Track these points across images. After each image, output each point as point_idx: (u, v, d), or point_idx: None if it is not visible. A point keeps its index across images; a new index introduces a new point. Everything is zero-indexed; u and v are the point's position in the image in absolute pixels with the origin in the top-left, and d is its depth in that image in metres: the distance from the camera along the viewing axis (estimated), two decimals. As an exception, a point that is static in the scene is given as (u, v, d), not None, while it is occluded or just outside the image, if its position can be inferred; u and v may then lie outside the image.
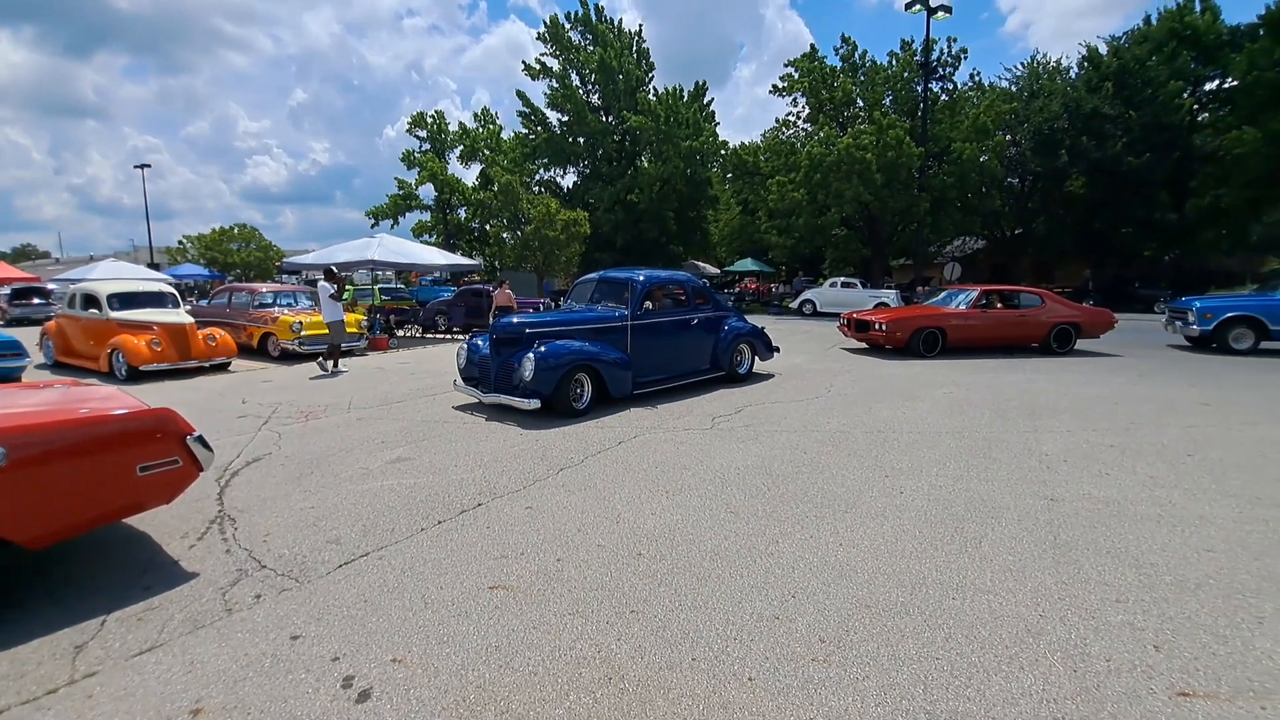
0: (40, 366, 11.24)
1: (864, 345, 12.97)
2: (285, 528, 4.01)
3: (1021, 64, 32.56)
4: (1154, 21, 29.29)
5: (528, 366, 6.79)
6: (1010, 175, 30.92)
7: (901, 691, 2.38)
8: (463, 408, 7.55)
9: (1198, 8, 28.36)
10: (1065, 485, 4.70)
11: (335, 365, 10.78)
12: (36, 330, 13.53)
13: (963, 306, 12.28)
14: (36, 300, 23.86)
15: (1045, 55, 32.70)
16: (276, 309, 13.18)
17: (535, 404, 6.73)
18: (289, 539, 3.83)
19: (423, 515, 4.19)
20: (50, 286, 25.76)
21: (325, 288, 11.07)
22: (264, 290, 14.13)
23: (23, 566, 3.40)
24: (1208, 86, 28.82)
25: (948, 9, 22.44)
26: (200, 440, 3.51)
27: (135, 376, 9.84)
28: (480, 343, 7.87)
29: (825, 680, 2.45)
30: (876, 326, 12.05)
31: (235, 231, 41.37)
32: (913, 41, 27.98)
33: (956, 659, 2.58)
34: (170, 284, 13.70)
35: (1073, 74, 30.58)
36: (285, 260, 25.71)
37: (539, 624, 2.87)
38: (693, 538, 3.80)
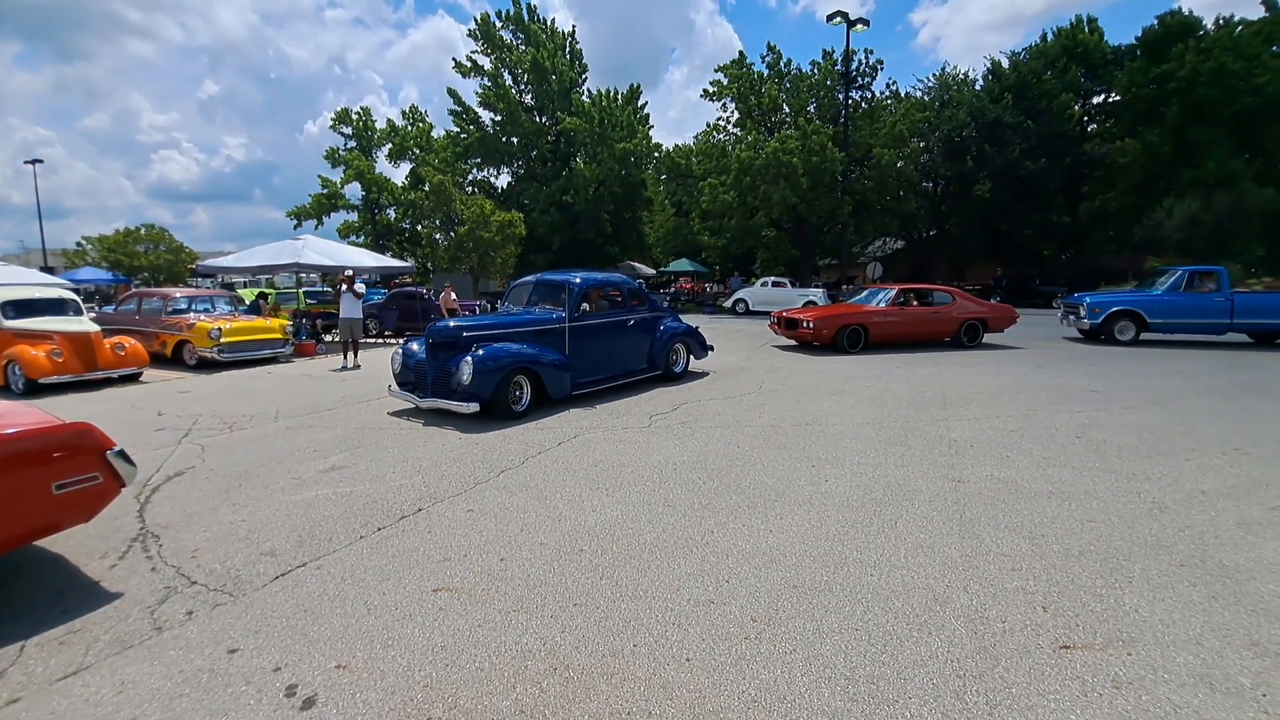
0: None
1: (793, 342, 13.51)
2: (215, 542, 3.90)
3: (933, 75, 34.68)
4: (1050, 39, 31.71)
5: (466, 370, 6.77)
6: (925, 180, 32.79)
7: (825, 661, 2.61)
8: (399, 413, 7.44)
9: (1086, 27, 30.92)
10: (971, 468, 5.12)
11: (352, 360, 11.75)
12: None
13: (883, 304, 13.00)
14: None
15: (955, 67, 34.76)
16: (192, 315, 12.46)
17: (474, 407, 6.72)
18: (220, 553, 3.74)
19: (361, 523, 4.16)
20: None
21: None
22: (178, 295, 13.31)
23: (-79, 596, 3.19)
24: (1096, 100, 31.46)
25: (866, 22, 23.59)
26: (122, 454, 3.38)
27: (34, 390, 9.14)
28: (415, 347, 7.76)
29: (757, 656, 2.65)
30: (805, 324, 12.58)
31: (142, 232, 38.60)
32: (834, 52, 29.24)
33: (873, 629, 2.83)
34: (70, 289, 12.70)
35: (978, 85, 32.70)
36: (200, 263, 24.22)
37: (484, 622, 2.95)
38: (632, 532, 3.95)
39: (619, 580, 3.33)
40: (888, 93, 31.37)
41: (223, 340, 11.62)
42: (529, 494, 4.67)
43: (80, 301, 11.41)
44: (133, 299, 13.98)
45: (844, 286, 24.24)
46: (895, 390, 8.53)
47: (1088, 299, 13.68)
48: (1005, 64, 31.94)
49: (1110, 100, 30.49)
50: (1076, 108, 30.55)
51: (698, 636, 2.80)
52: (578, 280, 8.37)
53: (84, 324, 10.18)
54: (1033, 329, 16.09)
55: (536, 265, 27.74)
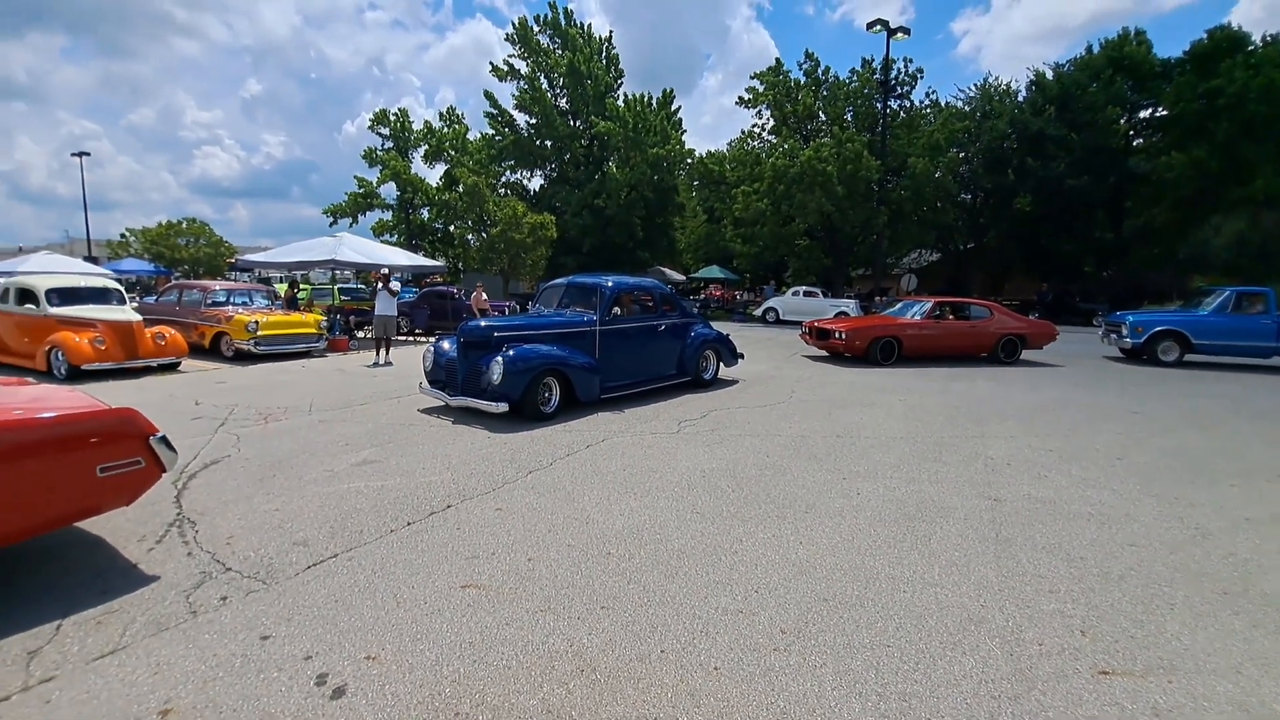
0: (-28, 364, 10.69)
1: (824, 353, 13.35)
2: (249, 530, 3.97)
3: (974, 85, 34.10)
4: (1095, 51, 30.95)
5: (496, 370, 6.82)
6: (964, 191, 32.22)
7: (856, 676, 2.54)
8: (429, 410, 7.52)
9: (1134, 40, 30.11)
10: (1008, 486, 4.99)
11: (385, 356, 11.92)
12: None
13: (918, 317, 12.77)
14: None
15: (997, 78, 34.15)
16: (230, 308, 12.81)
17: (503, 407, 6.76)
18: (254, 541, 3.80)
19: (391, 517, 4.20)
20: None
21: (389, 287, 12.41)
22: (217, 288, 13.72)
23: (-27, 569, 3.30)
24: (1143, 114, 30.59)
25: (906, 30, 23.33)
26: (164, 440, 3.47)
27: (76, 376, 9.45)
28: (446, 345, 7.85)
29: (786, 668, 2.60)
30: (837, 335, 12.43)
31: (183, 226, 39.91)
32: (873, 60, 28.95)
33: (906, 646, 2.76)
34: (114, 279, 13.15)
35: (1021, 96, 32.06)
36: (238, 258, 24.95)
37: (511, 620, 2.95)
38: (660, 537, 3.92)
39: (646, 585, 3.30)
40: (927, 102, 30.95)
41: (259, 333, 11.91)
42: (557, 495, 4.67)
43: (123, 291, 11.79)
44: (173, 290, 14.42)
45: (877, 298, 23.92)
46: (929, 404, 8.37)
47: (1130, 318, 13.27)
48: (1049, 75, 31.26)
49: (1158, 115, 29.63)
50: (1122, 121, 29.75)
51: (726, 645, 2.76)
52: (609, 284, 8.38)
53: (126, 313, 10.52)
54: (1072, 346, 15.66)
55: (567, 268, 27.91)
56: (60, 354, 9.58)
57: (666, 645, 2.76)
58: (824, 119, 29.82)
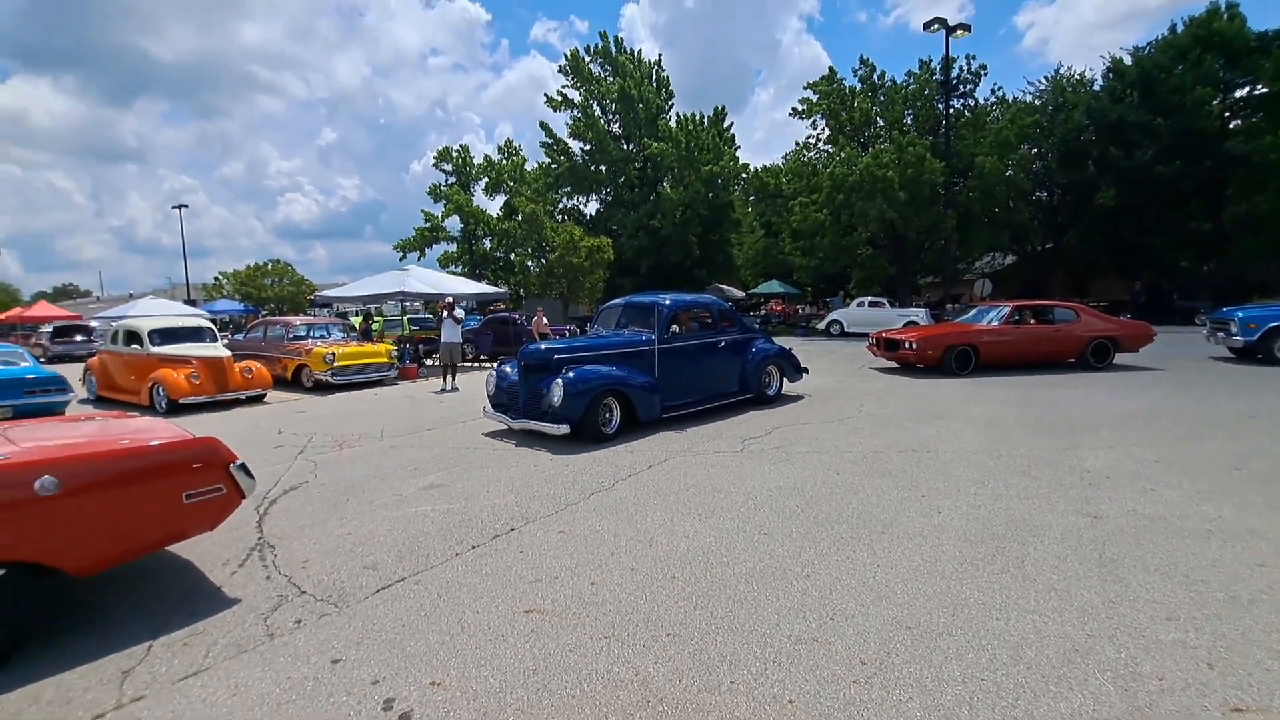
0: (83, 401, 11.66)
1: (894, 364, 12.82)
2: (323, 554, 4.08)
3: (1045, 77, 32.30)
4: (1179, 30, 28.94)
5: (556, 392, 6.86)
6: (1038, 189, 30.56)
7: (947, 713, 2.32)
8: (492, 434, 7.63)
9: (1225, 15, 27.96)
10: (1109, 502, 4.56)
11: (451, 382, 12.19)
12: (78, 367, 14.05)
13: (995, 323, 12.09)
14: (79, 338, 24.68)
15: (1068, 68, 32.27)
16: (310, 341, 13.52)
17: (564, 429, 6.77)
18: (327, 565, 3.90)
19: (457, 540, 4.23)
20: (92, 324, 26.75)
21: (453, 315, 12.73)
22: (298, 323, 14.53)
23: (70, 594, 3.51)
24: (1239, 93, 28.25)
25: (966, 27, 22.52)
26: (243, 468, 3.61)
27: (175, 409, 10.13)
28: (509, 369, 7.97)
29: (868, 702, 2.41)
30: (907, 345, 11.91)
31: (269, 267, 42.72)
32: (930, 60, 28.08)
33: (1002, 680, 2.51)
34: (207, 319, 14.16)
35: (1096, 85, 30.27)
36: (317, 294, 26.47)
37: (575, 647, 2.87)
38: (727, 560, 3.77)
39: (714, 611, 3.17)
40: (993, 99, 29.69)
41: (336, 364, 12.48)
42: (619, 517, 4.60)
43: (215, 329, 12.64)
44: (259, 327, 15.36)
45: (949, 305, 22.88)
46: (1012, 415, 7.85)
47: (1240, 314, 12.12)
48: (1127, 60, 29.40)
49: (1256, 92, 27.28)
50: (1215, 102, 27.55)
51: (801, 677, 2.59)
52: (667, 302, 8.33)
53: (217, 350, 11.25)
54: (1172, 348, 14.44)
55: (624, 289, 28.12)
56: (161, 389, 10.31)
57: (737, 676, 2.61)
58: (882, 124, 29.07)
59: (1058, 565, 3.56)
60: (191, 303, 35.42)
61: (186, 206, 42.61)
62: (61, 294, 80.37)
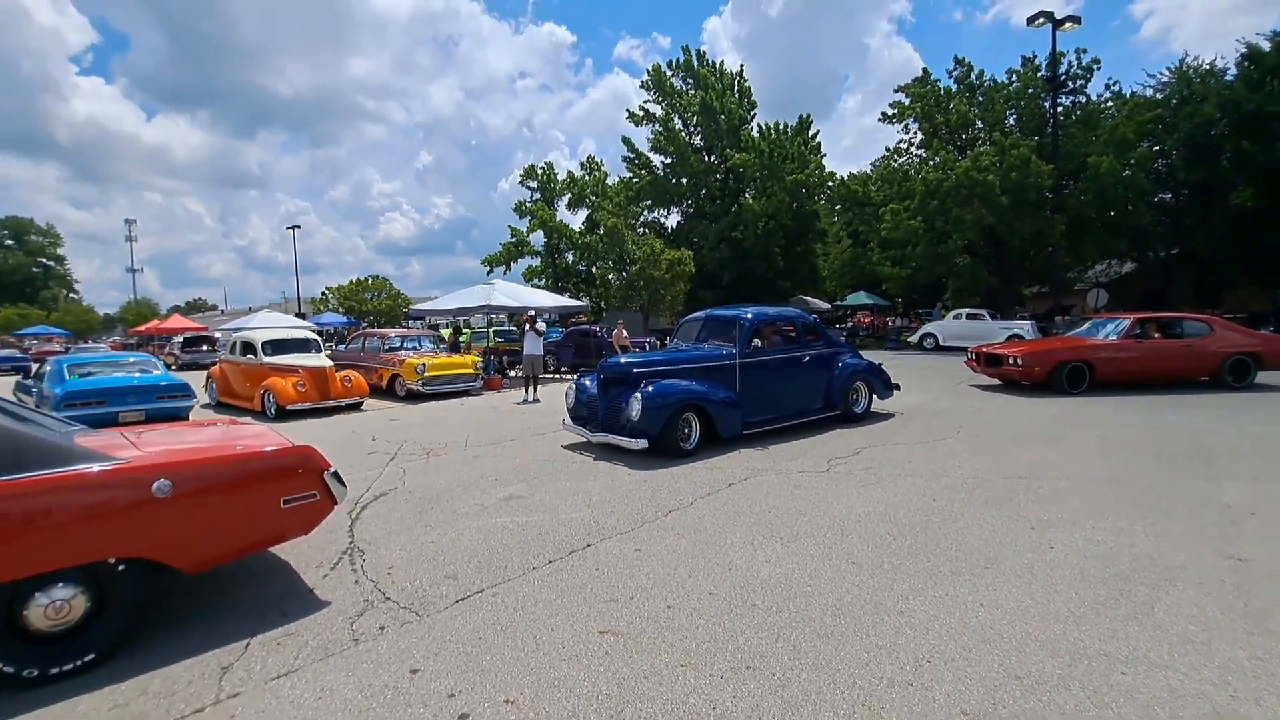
0: (205, 406, 12.73)
1: (996, 382, 11.95)
2: (407, 561, 4.19)
3: (1167, 69, 29.43)
4: (1333, 9, 25.68)
5: (635, 406, 6.81)
6: (1160, 189, 27.85)
7: (1071, 787, 2.04)
8: (571, 447, 7.68)
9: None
10: (1255, 542, 3.98)
11: (533, 394, 12.49)
12: (203, 374, 15.42)
13: (1113, 336, 11.03)
14: (204, 347, 27.31)
15: (1195, 57, 29.30)
16: (403, 352, 14.21)
17: (643, 444, 6.71)
18: (411, 572, 3.99)
19: (534, 554, 4.24)
20: (216, 335, 29.51)
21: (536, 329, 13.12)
22: (393, 335, 15.34)
23: (178, 590, 3.75)
24: None
25: (1076, 20, 20.98)
26: (336, 475, 3.76)
27: (282, 415, 10.90)
28: (588, 382, 8.00)
29: (974, 765, 2.15)
30: (1011, 360, 11.07)
31: (369, 282, 45.54)
32: (1035, 57, 26.33)
33: (1139, 752, 2.18)
34: (314, 330, 15.20)
35: (1229, 75, 27.32)
36: (411, 307, 27.95)
37: (650, 674, 2.76)
38: (811, 589, 3.55)
39: (797, 644, 2.97)
40: (1107, 94, 27.42)
41: (426, 374, 13.05)
42: (697, 537, 4.46)
43: (320, 340, 13.53)
44: (359, 338, 16.34)
45: (1058, 318, 21.17)
46: (1135, 440, 7.08)
47: None
48: (1265, 46, 26.37)
49: None
50: (1378, 87, 24.16)
51: (895, 727, 2.36)
52: (749, 315, 8.13)
53: (321, 360, 12.02)
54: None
55: (705, 302, 27.92)
56: (271, 396, 11.13)
57: (821, 717, 2.42)
58: (980, 126, 27.48)
59: (1194, 614, 3.12)
60: (301, 316, 38.34)
61: (299, 227, 46.39)
62: (192, 308, 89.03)
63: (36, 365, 13.29)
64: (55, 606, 2.84)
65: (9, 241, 71.55)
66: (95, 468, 3.03)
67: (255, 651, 3.08)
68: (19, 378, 13.09)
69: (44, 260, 73.26)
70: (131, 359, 11.47)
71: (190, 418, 10.17)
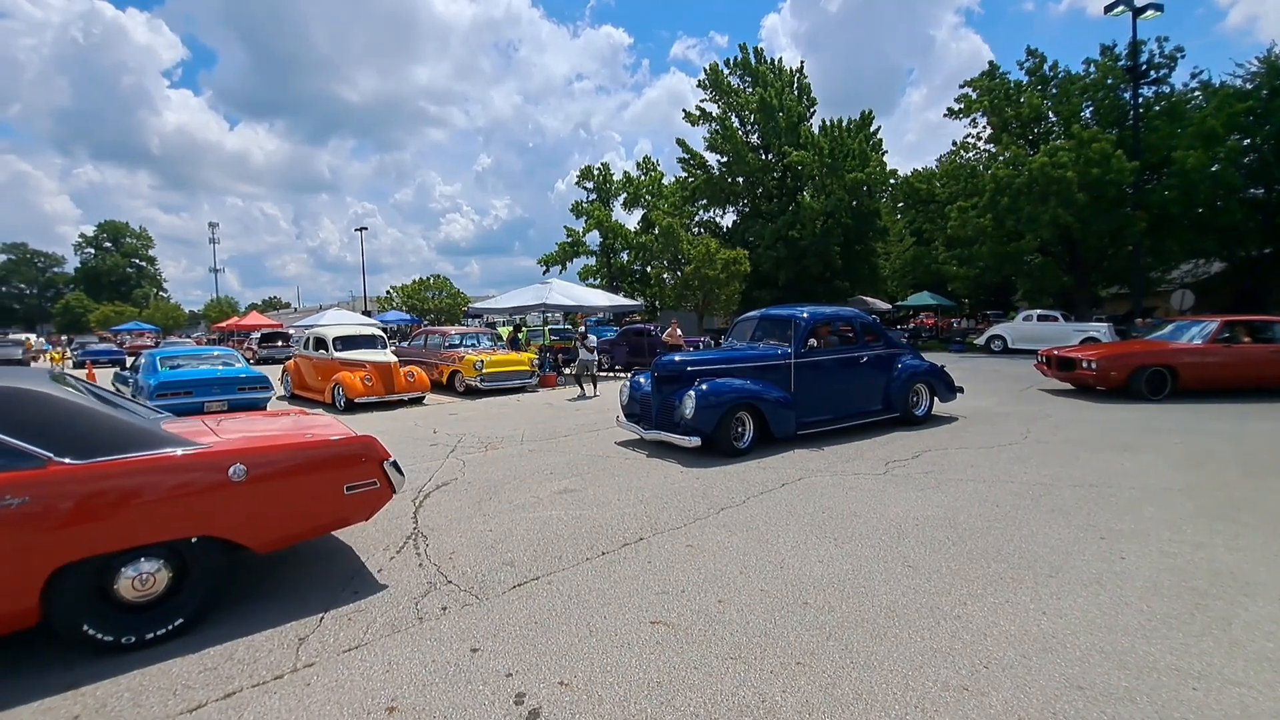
0: (280, 398, 13.48)
1: (1069, 386, 11.40)
2: (468, 547, 4.37)
3: (1256, 58, 27.22)
4: None
5: (689, 404, 6.85)
6: (1252, 185, 25.83)
7: (1135, 800, 1.98)
8: (625, 444, 7.79)
9: None
10: (1361, 564, 3.70)
11: (589, 390, 13.01)
12: (278, 368, 16.32)
13: (1198, 341, 10.35)
14: (279, 343, 28.98)
15: (1291, 43, 26.95)
16: (463, 349, 14.67)
17: (696, 442, 6.74)
18: (471, 558, 4.17)
19: (588, 545, 4.34)
20: (290, 331, 31.21)
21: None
22: (453, 333, 15.85)
23: (261, 566, 4.03)
24: None
25: (1158, 7, 19.71)
26: (395, 465, 3.96)
27: (350, 408, 11.44)
28: (642, 380, 8.08)
29: (1031, 771, 2.11)
30: (1084, 364, 10.55)
31: (430, 281, 47.11)
32: (1114, 46, 24.86)
33: (1211, 770, 2.10)
34: (379, 328, 15.87)
35: (1332, 60, 25.07)
36: (470, 305, 28.78)
37: (700, 664, 2.82)
38: (865, 590, 3.52)
39: (849, 644, 2.96)
40: (1193, 84, 25.63)
41: (484, 371, 13.43)
42: (749, 535, 4.47)
43: (385, 337, 14.11)
44: (421, 336, 16.95)
45: (1138, 320, 19.96)
46: (1219, 450, 6.65)
47: None
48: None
49: None
50: None
51: (948, 730, 2.34)
52: (805, 315, 8.05)
53: (387, 355, 12.55)
54: None
55: (761, 301, 27.61)
56: (340, 389, 11.70)
57: (873, 718, 2.42)
58: (1054, 119, 26.13)
59: (1276, 631, 2.95)
60: (367, 314, 39.99)
61: (366, 229, 48.36)
62: (268, 305, 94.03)
63: (132, 359, 14.35)
64: (141, 579, 3.10)
65: (107, 244, 77.69)
66: (179, 452, 3.29)
67: (329, 626, 3.29)
68: (117, 369, 14.18)
69: (137, 261, 79.18)
70: (215, 353, 12.29)
71: (268, 408, 10.82)
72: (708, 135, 34.99)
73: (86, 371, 18.57)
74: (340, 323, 22.06)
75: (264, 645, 3.10)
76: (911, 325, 33.43)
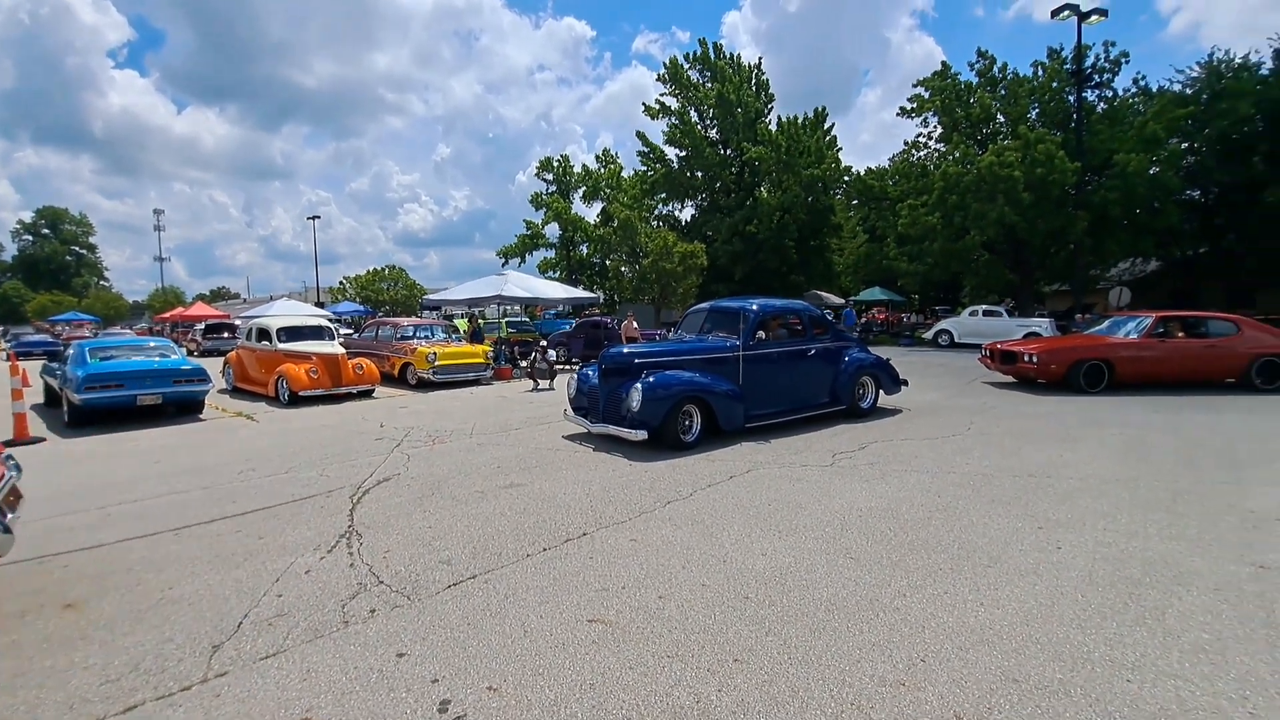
0: (222, 391, 12.87)
1: (1011, 379, 11.74)
2: (404, 545, 4.18)
3: (1197, 64, 28.59)
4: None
5: (635, 397, 6.75)
6: (1190, 188, 27.14)
7: (1061, 793, 1.96)
8: (572, 437, 7.65)
9: None
10: (1279, 550, 3.84)
11: (543, 383, 12.85)
12: (222, 360, 15.57)
13: (1135, 335, 10.77)
14: (225, 334, 27.75)
15: (1226, 51, 28.38)
16: (415, 341, 14.26)
17: (643, 435, 6.65)
18: (406, 556, 3.98)
19: (529, 541, 4.21)
20: (236, 322, 30.00)
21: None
22: (405, 324, 15.39)
23: (174, 565, 3.77)
24: None
25: (1103, 13, 20.42)
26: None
27: (295, 401, 10.99)
28: (590, 373, 7.94)
29: (961, 766, 2.08)
30: (1026, 358, 10.85)
31: (385, 272, 45.88)
32: (1061, 49, 25.74)
33: (1136, 759, 2.10)
34: (330, 319, 15.32)
35: (1264, 70, 26.52)
36: (425, 297, 28.13)
37: (636, 664, 2.72)
38: (806, 584, 3.48)
39: (788, 639, 2.91)
40: (1134, 89, 26.74)
41: (437, 363, 13.09)
42: (694, 529, 4.40)
43: (334, 328, 13.61)
44: (372, 327, 16.43)
45: (1078, 316, 20.74)
46: (1155, 441, 6.90)
47: None
48: (1305, 40, 25.53)
49: None
50: None
51: (882, 725, 2.29)
52: (754, 307, 8.03)
53: (334, 347, 12.09)
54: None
55: (718, 295, 27.74)
56: (284, 382, 11.22)
57: (809, 716, 2.36)
58: (1002, 120, 26.93)
59: (1210, 621, 3.00)
60: (320, 304, 38.73)
61: (319, 218, 46.90)
62: (217, 296, 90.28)
63: (63, 349, 13.50)
64: None
65: (45, 231, 73.56)
66: None
67: (246, 632, 3.08)
68: (44, 361, 13.30)
69: (77, 248, 75.07)
70: (151, 344, 11.61)
71: (207, 402, 10.31)
72: (667, 129, 34.94)
73: (10, 364, 17.41)
74: (287, 314, 21.25)
75: (174, 654, 2.89)
76: (863, 319, 34.12)
